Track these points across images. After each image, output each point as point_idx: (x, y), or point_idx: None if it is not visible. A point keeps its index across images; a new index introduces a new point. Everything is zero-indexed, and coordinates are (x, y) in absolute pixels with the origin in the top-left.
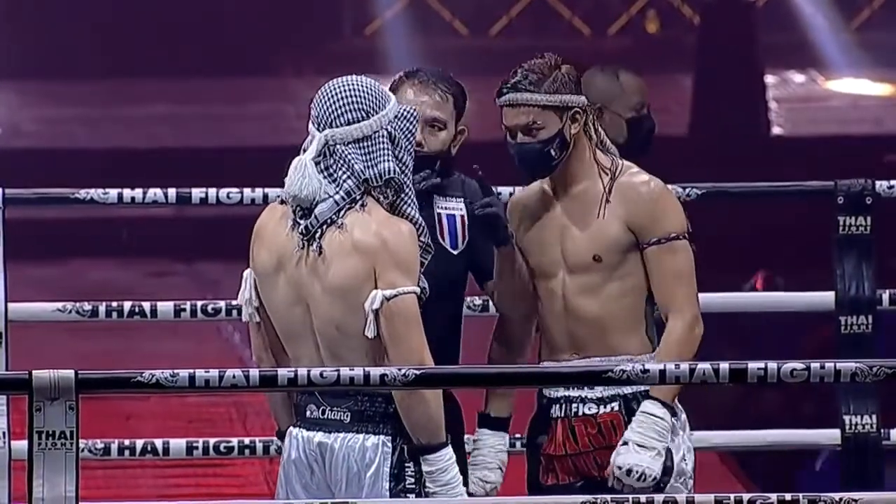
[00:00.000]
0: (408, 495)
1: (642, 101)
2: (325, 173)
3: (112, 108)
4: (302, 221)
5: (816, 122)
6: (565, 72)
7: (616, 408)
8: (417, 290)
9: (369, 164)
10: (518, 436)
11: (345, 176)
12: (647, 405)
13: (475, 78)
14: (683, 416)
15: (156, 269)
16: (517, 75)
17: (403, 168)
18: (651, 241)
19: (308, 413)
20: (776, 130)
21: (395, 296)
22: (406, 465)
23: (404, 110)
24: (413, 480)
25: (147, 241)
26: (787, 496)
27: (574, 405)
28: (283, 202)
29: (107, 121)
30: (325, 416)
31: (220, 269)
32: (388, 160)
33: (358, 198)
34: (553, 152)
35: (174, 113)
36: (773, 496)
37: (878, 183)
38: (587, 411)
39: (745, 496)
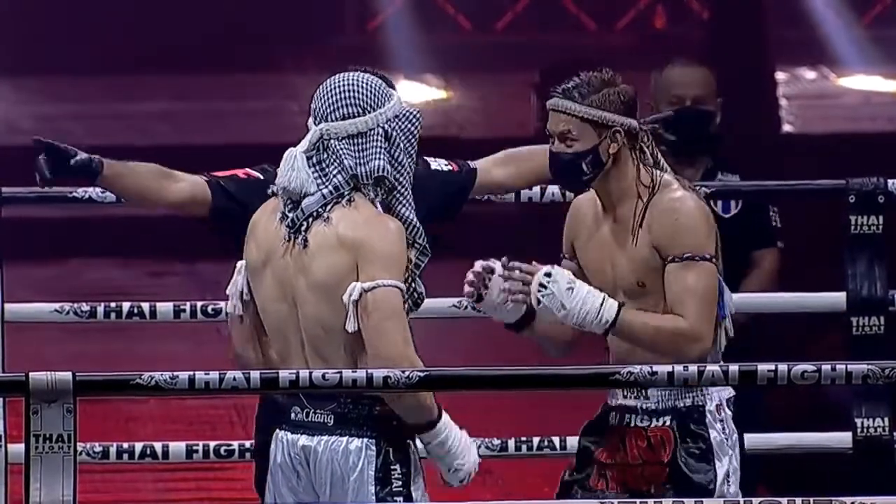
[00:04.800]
0: (395, 498)
1: (682, 95)
2: (317, 168)
3: (110, 105)
4: (290, 214)
5: (828, 120)
6: (617, 91)
7: (668, 422)
8: (400, 284)
9: (361, 160)
10: (524, 439)
11: (335, 171)
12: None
13: (479, 73)
14: (735, 436)
15: (155, 269)
16: (571, 82)
17: (399, 168)
18: (669, 259)
19: (293, 415)
20: (787, 128)
21: (374, 287)
22: (392, 467)
23: (407, 111)
24: (400, 483)
25: (146, 241)
26: (798, 500)
27: (628, 415)
28: (274, 195)
29: (105, 118)
30: (309, 418)
31: (221, 270)
32: (381, 158)
33: (346, 193)
34: (585, 167)
35: (173, 109)
36: (784, 500)
37: (890, 181)
38: (639, 423)
39: (756, 499)
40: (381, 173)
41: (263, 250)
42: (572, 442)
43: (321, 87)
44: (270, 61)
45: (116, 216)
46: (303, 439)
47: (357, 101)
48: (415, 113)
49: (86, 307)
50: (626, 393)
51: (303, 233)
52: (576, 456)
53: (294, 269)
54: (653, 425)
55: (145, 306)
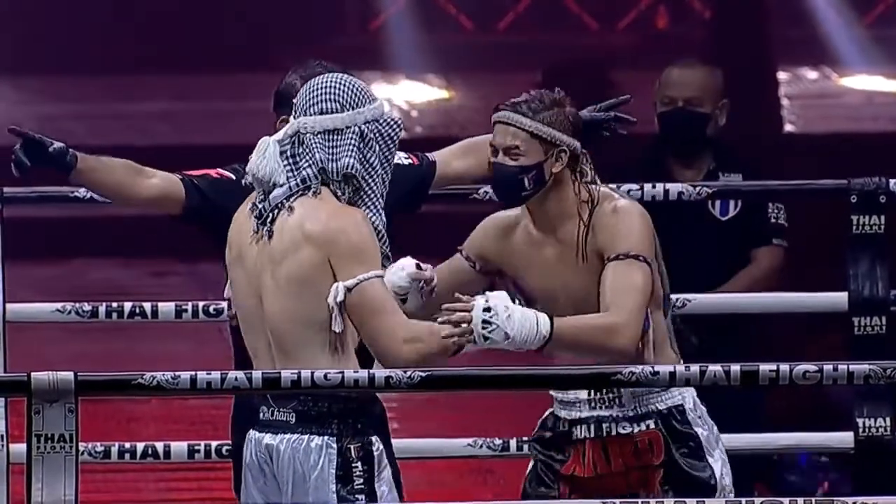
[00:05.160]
0: (357, 497)
1: (674, 96)
2: (290, 160)
3: (111, 105)
4: (259, 205)
5: (830, 119)
6: (567, 112)
7: (653, 425)
8: (379, 272)
9: (331, 156)
10: (524, 438)
11: (305, 164)
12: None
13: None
14: (716, 429)
15: (157, 269)
16: (521, 97)
17: (369, 170)
18: (608, 258)
19: (261, 415)
20: (788, 127)
21: (357, 284)
22: (353, 465)
23: (388, 117)
24: (362, 481)
25: (148, 241)
26: (800, 500)
27: (605, 425)
28: (249, 185)
29: (106, 117)
30: (274, 417)
31: (222, 270)
32: (352, 156)
33: (313, 186)
34: (527, 182)
35: (174, 109)
36: (786, 500)
37: (892, 181)
38: (622, 430)
39: (758, 500)
40: (349, 171)
41: (236, 245)
42: None
43: (306, 84)
44: (271, 61)
45: (118, 216)
46: (267, 438)
47: (336, 98)
48: (396, 120)
49: (87, 307)
50: (594, 404)
51: (268, 224)
52: (534, 470)
53: (260, 262)
54: (637, 430)
55: (147, 306)
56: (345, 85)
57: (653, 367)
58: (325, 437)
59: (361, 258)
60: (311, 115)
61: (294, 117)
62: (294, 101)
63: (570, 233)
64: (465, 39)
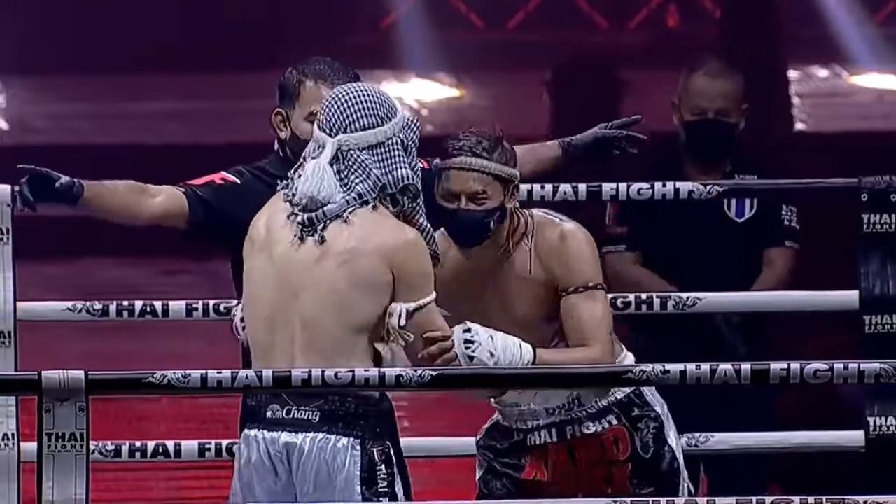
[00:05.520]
0: (381, 498)
1: (706, 107)
2: (338, 177)
3: (121, 104)
4: (303, 215)
5: (840, 118)
6: (507, 145)
7: (615, 421)
8: (433, 296)
9: (386, 169)
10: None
11: (358, 180)
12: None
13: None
14: (665, 408)
15: (167, 267)
16: (470, 139)
17: (418, 175)
18: (569, 290)
19: (269, 414)
20: (799, 126)
21: (418, 309)
22: (377, 467)
23: (409, 120)
24: (385, 484)
25: (158, 239)
26: (811, 499)
27: (569, 427)
28: (288, 201)
29: (115, 117)
30: (292, 415)
31: (230, 269)
32: (405, 167)
33: (370, 201)
34: (492, 224)
35: (183, 108)
36: (797, 499)
37: None
38: (586, 431)
39: (768, 499)
40: (407, 181)
41: (264, 238)
42: None
43: (331, 98)
44: (281, 60)
45: None
46: (284, 436)
47: (374, 112)
48: (416, 121)
49: (98, 305)
50: (552, 411)
51: (319, 231)
52: (488, 478)
53: (305, 264)
54: (601, 429)
55: (158, 305)
56: (377, 97)
57: (663, 366)
58: (350, 439)
59: (424, 282)
60: (352, 131)
61: (329, 135)
62: (318, 116)
63: (517, 258)
64: (475, 38)
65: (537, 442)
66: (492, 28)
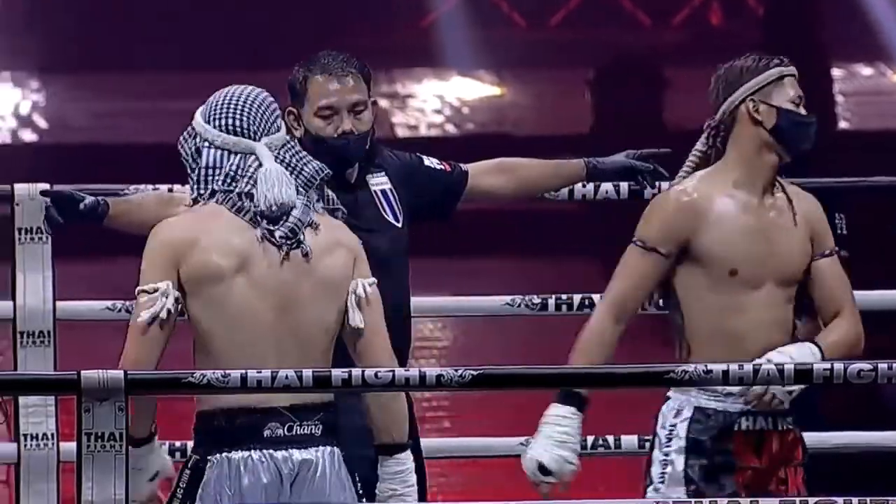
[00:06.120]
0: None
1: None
2: None
3: (163, 102)
4: (279, 227)
5: (884, 116)
6: None
7: (792, 423)
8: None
9: (302, 164)
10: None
11: (299, 180)
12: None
13: (533, 70)
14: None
15: None
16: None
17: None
18: (825, 253)
19: (267, 433)
20: (843, 124)
21: (373, 283)
22: (353, 473)
23: None
24: (357, 488)
25: None
26: (854, 500)
27: (769, 418)
28: (239, 210)
29: (157, 115)
30: (295, 432)
31: None
32: (312, 158)
33: (315, 198)
34: None
35: None
36: (840, 499)
37: None
38: (787, 426)
39: (811, 499)
40: (325, 169)
41: (234, 260)
42: (627, 441)
43: (238, 102)
44: None
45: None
46: (297, 454)
47: (276, 112)
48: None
49: None
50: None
51: (302, 242)
52: (700, 466)
53: (293, 275)
54: (790, 427)
55: None
56: (264, 97)
57: (705, 366)
58: (336, 447)
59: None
60: (272, 133)
61: (253, 139)
62: (225, 122)
63: (776, 196)
64: (517, 36)
65: (753, 427)
66: (534, 26)
